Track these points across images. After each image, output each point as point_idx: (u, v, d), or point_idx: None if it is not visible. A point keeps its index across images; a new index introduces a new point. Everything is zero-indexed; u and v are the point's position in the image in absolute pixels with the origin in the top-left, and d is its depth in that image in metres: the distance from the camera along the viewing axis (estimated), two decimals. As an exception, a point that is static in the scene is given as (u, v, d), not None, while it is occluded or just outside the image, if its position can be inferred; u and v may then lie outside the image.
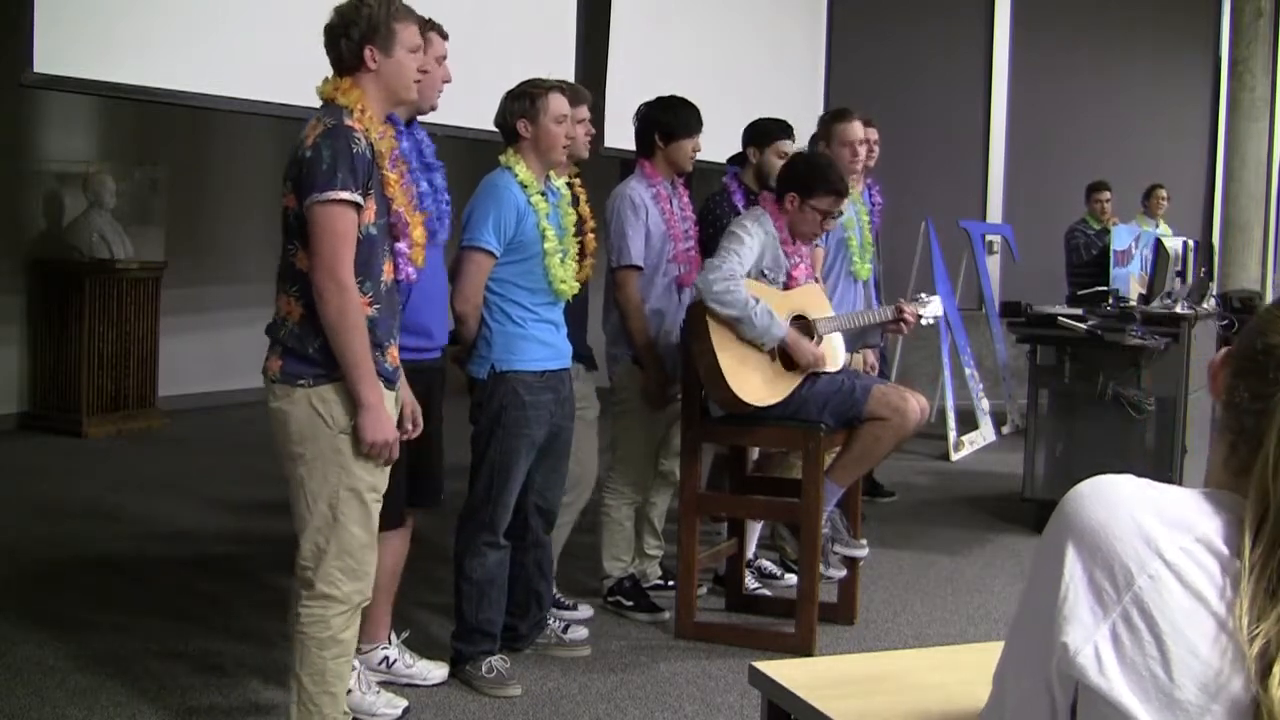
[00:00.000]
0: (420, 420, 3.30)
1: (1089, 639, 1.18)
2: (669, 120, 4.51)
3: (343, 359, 2.86)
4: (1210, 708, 1.15)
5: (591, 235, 4.01)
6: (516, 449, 3.73)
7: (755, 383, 4.03)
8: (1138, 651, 1.16)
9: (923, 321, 4.36)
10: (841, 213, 4.34)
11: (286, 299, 2.93)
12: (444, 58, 3.54)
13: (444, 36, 3.57)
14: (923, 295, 4.43)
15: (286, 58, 4.62)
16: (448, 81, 3.56)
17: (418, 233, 3.11)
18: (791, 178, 4.22)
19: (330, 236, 2.81)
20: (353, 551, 2.94)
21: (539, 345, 3.77)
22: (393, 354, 3.03)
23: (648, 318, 4.42)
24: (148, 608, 4.38)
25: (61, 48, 4.46)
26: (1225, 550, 1.18)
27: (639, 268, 4.40)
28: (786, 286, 4.20)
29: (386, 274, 2.98)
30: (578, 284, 3.88)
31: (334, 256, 2.81)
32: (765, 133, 4.87)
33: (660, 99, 4.62)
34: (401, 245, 3.06)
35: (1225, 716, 1.15)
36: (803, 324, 4.16)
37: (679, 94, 4.64)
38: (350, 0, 2.98)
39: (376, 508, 2.99)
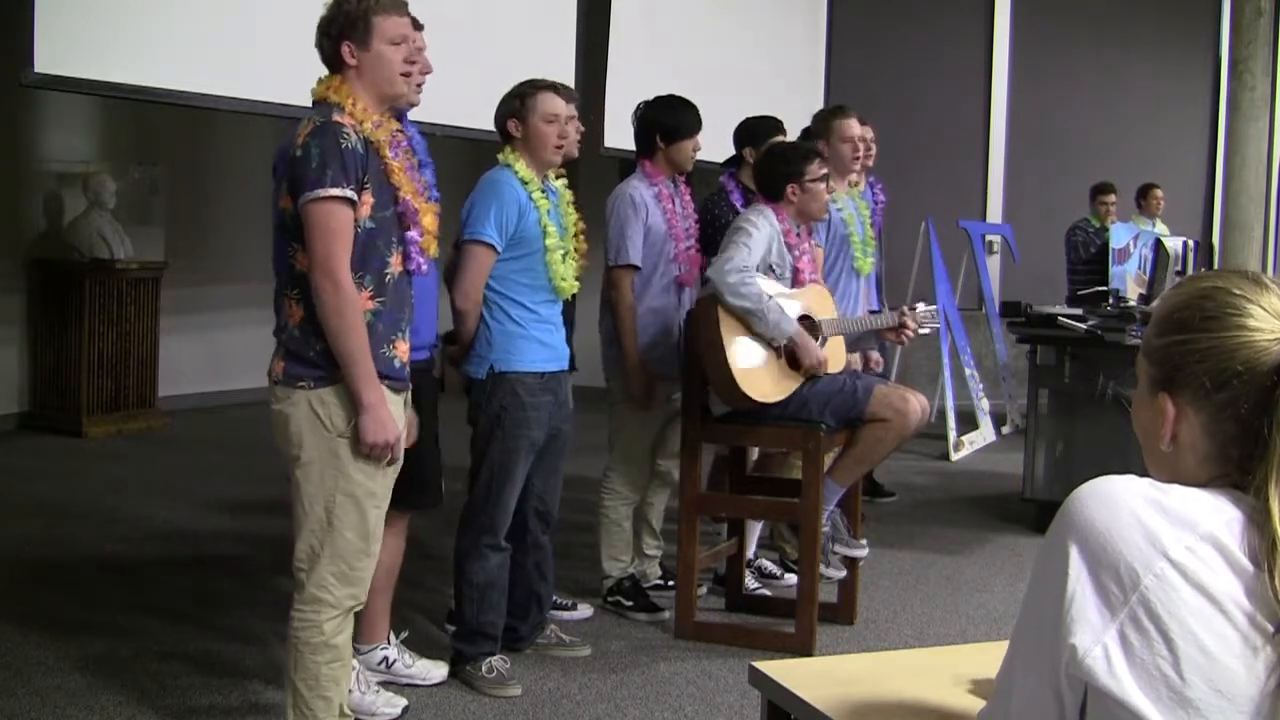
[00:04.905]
0: (415, 432, 3.29)
1: (1097, 640, 1.18)
2: (669, 120, 4.49)
3: (341, 358, 2.83)
4: (1221, 705, 1.15)
5: (581, 236, 3.99)
6: (516, 450, 3.72)
7: (761, 379, 4.04)
8: (1147, 651, 1.16)
9: (921, 331, 4.39)
10: (834, 189, 4.39)
11: (288, 302, 2.92)
12: (421, 50, 3.51)
13: (418, 28, 3.53)
14: (920, 305, 4.43)
15: (286, 58, 4.60)
16: (427, 73, 3.53)
17: (429, 220, 3.06)
18: (778, 171, 4.24)
19: (324, 234, 2.80)
20: (346, 557, 2.92)
21: (539, 346, 3.76)
22: (401, 349, 2.99)
23: (643, 316, 4.41)
24: (147, 608, 4.38)
25: (61, 48, 4.45)
26: (1231, 546, 1.18)
27: (636, 267, 4.39)
28: (794, 281, 4.21)
29: (394, 265, 2.94)
30: (577, 283, 3.87)
31: (328, 254, 2.79)
32: (760, 131, 4.87)
33: (659, 98, 4.59)
34: (413, 234, 3.01)
35: (1236, 713, 1.15)
36: (808, 324, 4.17)
37: (678, 93, 4.62)
38: None
39: (376, 514, 2.96)
